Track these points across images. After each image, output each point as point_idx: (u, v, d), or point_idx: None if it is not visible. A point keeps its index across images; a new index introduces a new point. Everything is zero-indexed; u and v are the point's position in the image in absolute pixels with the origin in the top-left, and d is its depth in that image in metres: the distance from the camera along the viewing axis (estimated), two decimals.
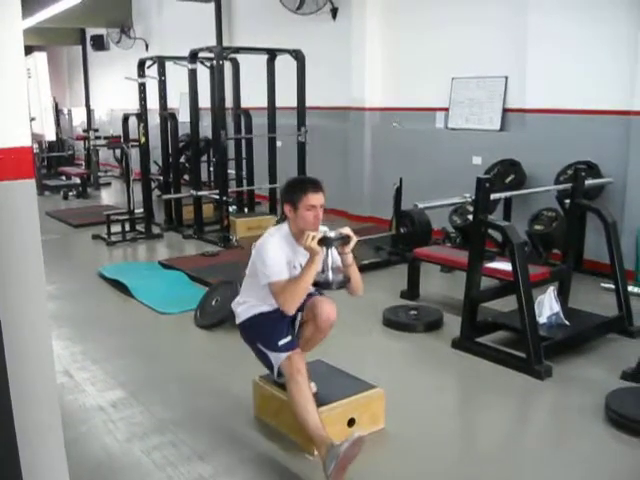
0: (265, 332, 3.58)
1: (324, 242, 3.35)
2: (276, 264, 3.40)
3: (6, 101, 2.08)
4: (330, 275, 3.44)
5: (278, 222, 3.68)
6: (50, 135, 2.62)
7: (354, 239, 3.44)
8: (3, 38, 2.05)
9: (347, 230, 3.44)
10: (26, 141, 2.14)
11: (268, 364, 3.61)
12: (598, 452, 3.61)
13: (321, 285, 3.48)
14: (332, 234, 3.40)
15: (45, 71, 2.44)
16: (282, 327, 3.55)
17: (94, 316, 5.91)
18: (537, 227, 6.73)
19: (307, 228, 3.41)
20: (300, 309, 3.61)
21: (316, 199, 3.44)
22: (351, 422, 3.63)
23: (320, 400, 3.59)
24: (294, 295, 3.37)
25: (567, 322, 4.97)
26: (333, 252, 3.44)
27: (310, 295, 3.63)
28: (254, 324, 3.64)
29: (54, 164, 15.30)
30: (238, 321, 3.73)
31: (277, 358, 3.52)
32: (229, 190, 8.90)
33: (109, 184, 14.44)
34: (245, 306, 3.68)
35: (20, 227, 2.16)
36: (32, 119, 2.41)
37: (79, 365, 4.77)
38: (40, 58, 2.45)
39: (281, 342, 3.51)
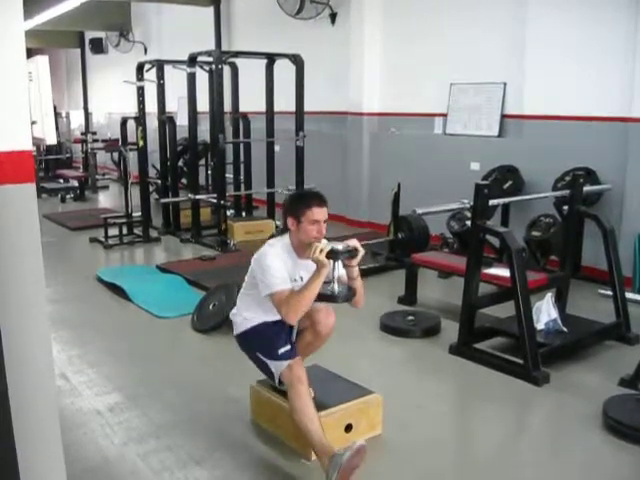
0: (265, 341, 3.56)
1: (331, 255, 3.29)
2: (278, 273, 3.36)
3: (7, 104, 2.08)
4: (336, 288, 3.40)
5: (275, 234, 3.64)
6: (51, 139, 2.60)
7: (361, 252, 3.40)
8: (5, 41, 2.05)
9: (355, 242, 3.40)
10: (27, 145, 2.13)
11: (268, 372, 3.59)
12: (595, 459, 3.61)
13: (326, 298, 3.43)
14: (340, 246, 3.33)
15: (47, 75, 2.43)
16: (282, 336, 3.53)
17: (91, 319, 5.90)
18: (535, 233, 6.73)
19: (310, 242, 3.39)
20: None
21: (320, 214, 3.42)
22: (348, 428, 3.62)
23: (317, 405, 3.58)
24: (298, 307, 3.31)
25: (565, 329, 4.97)
26: (339, 264, 3.39)
27: None
28: (254, 334, 3.62)
29: (52, 167, 15.29)
30: (236, 332, 3.70)
31: (278, 366, 3.49)
32: (227, 194, 8.90)
33: (107, 187, 14.43)
34: (244, 318, 3.65)
35: (20, 231, 2.15)
36: (33, 123, 2.41)
37: (76, 368, 4.76)
38: (42, 62, 2.44)
39: (281, 350, 3.48)
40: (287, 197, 3.61)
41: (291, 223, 3.47)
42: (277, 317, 3.47)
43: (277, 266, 3.38)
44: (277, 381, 3.57)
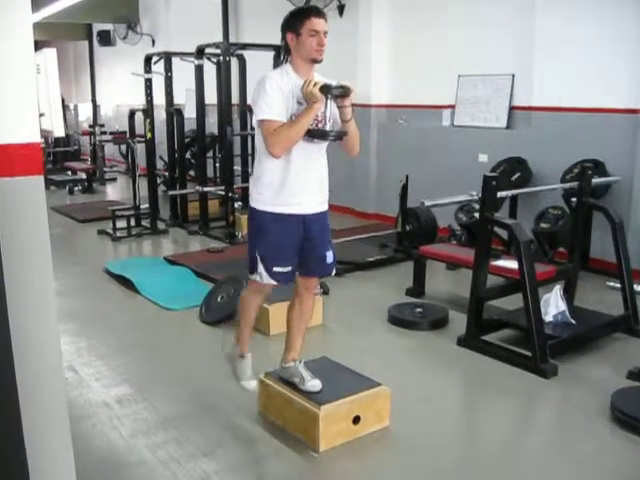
0: (268, 247, 3.49)
1: (324, 90, 3.26)
2: (274, 103, 3.30)
3: (15, 97, 2.08)
4: (327, 125, 3.36)
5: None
6: (59, 131, 2.61)
7: (354, 92, 3.36)
8: (13, 34, 2.05)
9: (347, 82, 3.36)
10: (35, 137, 2.13)
11: (252, 267, 3.56)
12: (603, 451, 3.60)
13: (317, 134, 3.38)
14: (333, 83, 3.32)
15: (55, 67, 2.43)
16: (286, 251, 3.50)
17: (99, 312, 5.92)
18: (543, 225, 6.71)
19: (311, 56, 3.37)
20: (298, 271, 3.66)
21: (319, 24, 3.36)
22: (356, 420, 3.63)
23: (325, 397, 3.59)
24: (286, 139, 3.28)
25: (573, 321, 4.96)
26: (332, 104, 3.36)
27: (309, 273, 3.67)
28: (262, 227, 3.51)
29: (60, 159, 15.32)
30: (250, 203, 3.56)
31: (264, 277, 3.51)
32: (235, 186, 8.90)
33: (115, 179, 14.44)
34: (259, 186, 3.50)
35: (29, 223, 2.16)
36: (41, 115, 2.41)
37: (84, 360, 4.78)
38: (50, 54, 2.45)
39: (277, 269, 3.48)
40: (285, 16, 3.50)
41: (290, 38, 3.39)
42: (283, 207, 3.44)
43: (276, 96, 3.30)
44: (252, 276, 3.60)
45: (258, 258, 3.50)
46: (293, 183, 3.43)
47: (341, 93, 3.33)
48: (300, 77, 3.38)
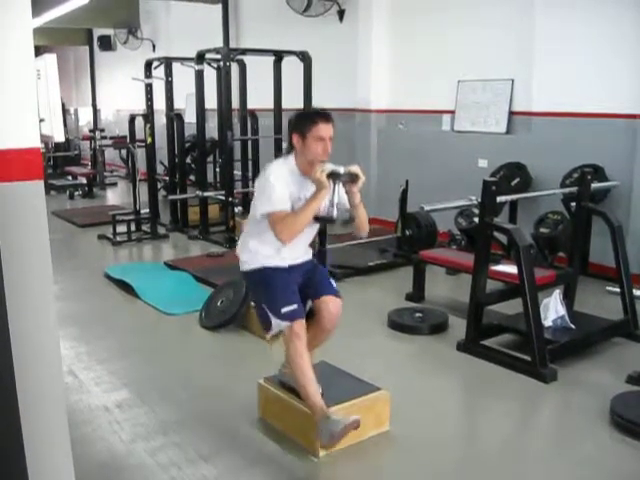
0: (270, 295, 3.50)
1: (332, 177, 3.31)
2: (279, 194, 3.35)
3: (16, 102, 2.08)
4: (335, 211, 3.39)
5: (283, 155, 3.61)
6: (59, 137, 2.61)
7: (362, 178, 3.41)
8: (14, 40, 2.06)
9: (356, 168, 3.40)
10: (35, 142, 2.14)
11: (266, 324, 3.54)
12: (602, 456, 3.60)
13: (324, 220, 3.45)
14: (341, 170, 3.35)
15: (55, 73, 2.44)
16: (288, 292, 3.49)
17: (99, 316, 5.92)
18: (543, 230, 6.72)
19: (315, 160, 3.39)
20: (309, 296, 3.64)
21: (326, 130, 3.40)
22: None
23: (325, 402, 3.59)
24: (293, 226, 3.34)
25: (572, 325, 4.96)
26: (340, 189, 3.40)
27: (319, 294, 3.61)
28: (260, 281, 3.56)
29: (60, 164, 15.33)
30: (243, 268, 3.63)
31: (278, 324, 3.47)
32: (235, 191, 8.92)
33: (115, 184, 14.46)
34: (250, 254, 3.58)
35: (29, 228, 2.16)
36: (41, 120, 2.41)
37: (84, 365, 4.78)
38: (50, 60, 2.46)
39: (284, 309, 3.44)
40: (292, 115, 3.58)
41: (296, 140, 3.45)
42: (277, 262, 3.50)
43: (280, 187, 3.37)
44: (270, 335, 3.56)
45: (265, 308, 3.51)
46: (286, 253, 3.53)
47: (349, 180, 3.39)
48: (302, 173, 3.46)
